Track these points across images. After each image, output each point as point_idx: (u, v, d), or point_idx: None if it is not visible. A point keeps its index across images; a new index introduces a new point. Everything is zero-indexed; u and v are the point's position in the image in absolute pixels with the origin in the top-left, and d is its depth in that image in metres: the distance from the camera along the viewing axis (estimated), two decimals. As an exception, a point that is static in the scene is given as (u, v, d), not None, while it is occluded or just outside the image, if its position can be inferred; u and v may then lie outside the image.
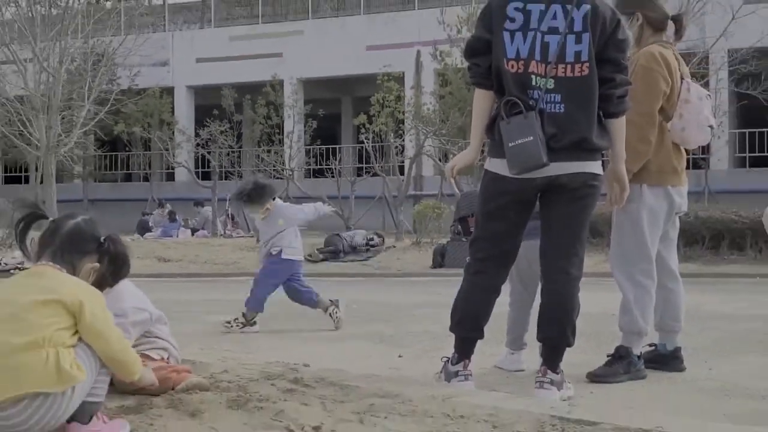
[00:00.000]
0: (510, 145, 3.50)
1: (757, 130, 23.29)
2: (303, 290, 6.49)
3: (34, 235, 2.77)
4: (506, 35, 3.53)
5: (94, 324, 2.52)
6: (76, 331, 2.51)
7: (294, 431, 2.71)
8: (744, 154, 23.95)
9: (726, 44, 19.28)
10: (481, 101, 3.70)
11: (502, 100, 3.58)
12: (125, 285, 3.42)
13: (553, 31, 3.52)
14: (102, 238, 2.75)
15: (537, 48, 3.51)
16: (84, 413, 2.52)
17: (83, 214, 2.84)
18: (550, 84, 3.53)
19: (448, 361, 3.82)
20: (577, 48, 3.53)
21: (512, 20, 3.53)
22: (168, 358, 3.47)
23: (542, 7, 3.53)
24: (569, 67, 3.53)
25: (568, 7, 3.52)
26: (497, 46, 3.55)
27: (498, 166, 3.64)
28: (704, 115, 4.29)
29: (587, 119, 3.56)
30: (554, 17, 3.52)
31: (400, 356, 4.92)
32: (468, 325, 3.76)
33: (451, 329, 3.81)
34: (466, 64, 3.83)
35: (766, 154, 23.18)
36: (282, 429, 2.73)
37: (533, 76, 3.53)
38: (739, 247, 11.80)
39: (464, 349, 3.77)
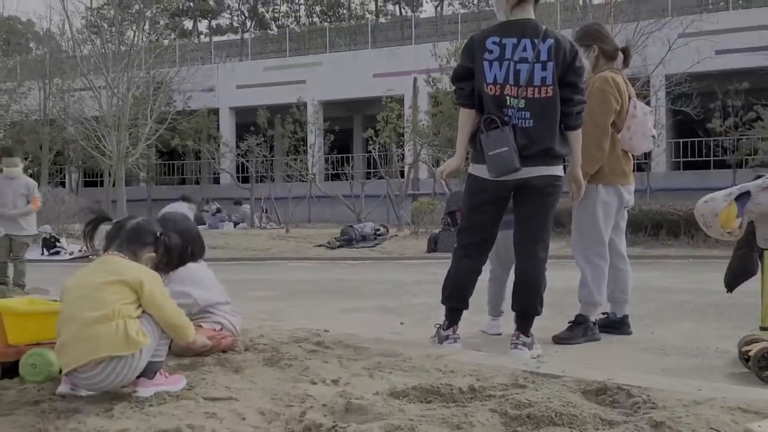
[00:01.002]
0: (489, 153, 3.49)
1: (689, 139, 23.27)
2: None
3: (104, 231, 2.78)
4: (486, 64, 3.52)
5: (152, 297, 2.52)
6: (140, 305, 2.52)
7: (317, 384, 2.71)
8: (679, 159, 23.94)
9: (664, 70, 19.26)
10: (465, 119, 3.67)
11: (483, 117, 3.56)
12: (188, 271, 3.39)
13: (523, 60, 3.51)
14: (158, 233, 2.75)
15: (510, 74, 3.50)
16: (150, 370, 2.53)
17: (143, 216, 2.85)
18: (522, 104, 3.52)
19: (440, 327, 3.82)
20: (542, 74, 3.52)
21: (490, 52, 3.52)
22: (221, 330, 3.45)
23: (514, 41, 3.52)
24: (536, 89, 3.52)
25: (536, 41, 3.51)
26: (479, 73, 3.54)
27: (480, 170, 3.64)
28: (648, 127, 4.28)
29: (551, 132, 3.55)
30: (524, 49, 3.51)
31: (401, 323, 4.92)
32: (455, 297, 3.76)
33: (443, 302, 3.81)
34: (453, 88, 3.80)
35: (696, 159, 23.15)
36: (307, 382, 2.73)
37: (508, 98, 3.52)
38: (675, 235, 11.79)
39: (453, 318, 3.78)
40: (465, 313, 3.82)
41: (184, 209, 8.37)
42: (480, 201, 3.70)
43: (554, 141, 3.56)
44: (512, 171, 3.49)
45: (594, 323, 4.19)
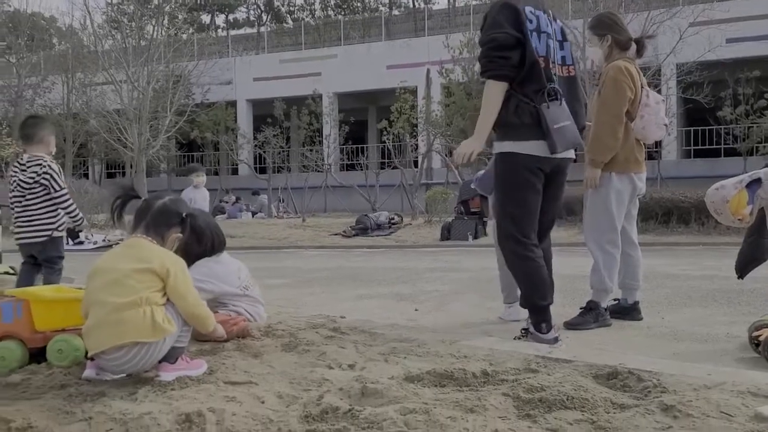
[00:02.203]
0: (555, 127, 3.27)
1: (699, 128, 23.02)
2: None
3: (129, 216, 2.79)
4: (529, 34, 3.28)
5: (176, 286, 2.55)
6: (165, 293, 2.55)
7: (334, 368, 2.73)
8: (689, 148, 23.69)
9: (675, 59, 19.02)
10: (500, 93, 3.29)
11: (541, 89, 3.27)
12: (204, 267, 3.41)
13: (549, 36, 3.40)
14: (184, 214, 2.77)
15: (547, 48, 3.36)
16: (172, 355, 2.56)
17: (169, 195, 2.85)
18: (555, 80, 3.37)
19: (528, 334, 3.47)
20: (562, 53, 3.45)
21: (531, 22, 3.31)
22: (236, 317, 3.47)
23: (542, 14, 3.40)
24: (560, 67, 3.44)
25: (550, 19, 3.45)
26: (529, 42, 3.25)
27: (531, 147, 3.33)
28: (660, 116, 4.23)
29: (582, 110, 3.49)
30: (548, 25, 3.41)
31: (416, 310, 4.92)
32: (549, 293, 3.48)
33: (538, 307, 3.44)
34: (485, 59, 3.44)
35: (707, 147, 22.91)
36: (324, 366, 2.75)
37: (552, 71, 3.36)
38: (685, 222, 11.69)
39: (550, 316, 3.46)
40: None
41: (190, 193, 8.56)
42: (533, 181, 3.37)
43: (585, 120, 3.48)
44: (578, 145, 3.31)
45: (605, 309, 4.16)
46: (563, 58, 3.44)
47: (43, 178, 4.42)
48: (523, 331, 3.57)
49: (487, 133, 3.35)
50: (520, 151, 3.35)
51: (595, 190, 4.08)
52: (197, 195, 8.63)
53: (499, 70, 3.27)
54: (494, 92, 3.31)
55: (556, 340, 3.44)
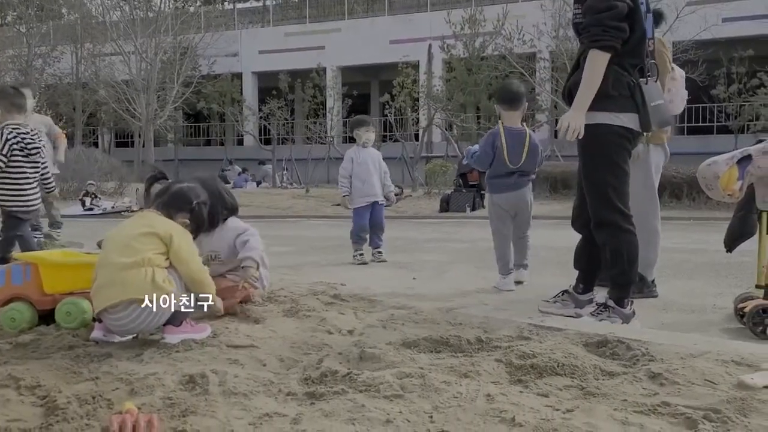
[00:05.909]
0: (652, 104, 3.12)
1: (693, 105, 22.83)
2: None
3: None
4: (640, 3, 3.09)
5: (179, 251, 2.58)
6: (168, 257, 2.57)
7: (333, 333, 2.74)
8: (683, 125, 23.54)
9: (671, 37, 18.78)
10: (605, 65, 3.02)
11: (641, 64, 3.10)
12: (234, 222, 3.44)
13: (647, 6, 3.20)
14: (194, 203, 2.78)
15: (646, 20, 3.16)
16: (177, 318, 2.57)
17: (190, 183, 2.91)
18: (649, 55, 3.19)
19: (607, 309, 3.19)
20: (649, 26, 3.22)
21: None
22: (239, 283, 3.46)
23: None
24: (649, 41, 3.20)
25: None
26: (640, 12, 3.05)
27: (626, 120, 3.11)
28: (684, 89, 4.22)
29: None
30: None
31: (414, 278, 4.91)
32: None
33: (630, 283, 3.22)
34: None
35: (700, 124, 22.78)
36: (324, 332, 2.76)
37: (647, 47, 3.17)
38: (677, 197, 11.68)
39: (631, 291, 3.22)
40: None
41: None
42: (627, 155, 3.16)
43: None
44: (670, 125, 3.18)
45: (652, 281, 4.11)
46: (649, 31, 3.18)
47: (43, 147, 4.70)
48: (600, 307, 3.24)
49: (588, 105, 3.08)
50: (618, 123, 3.11)
51: (635, 163, 4.00)
52: (364, 156, 5.98)
53: (611, 41, 3.01)
54: (601, 63, 3.03)
55: (634, 313, 3.22)
